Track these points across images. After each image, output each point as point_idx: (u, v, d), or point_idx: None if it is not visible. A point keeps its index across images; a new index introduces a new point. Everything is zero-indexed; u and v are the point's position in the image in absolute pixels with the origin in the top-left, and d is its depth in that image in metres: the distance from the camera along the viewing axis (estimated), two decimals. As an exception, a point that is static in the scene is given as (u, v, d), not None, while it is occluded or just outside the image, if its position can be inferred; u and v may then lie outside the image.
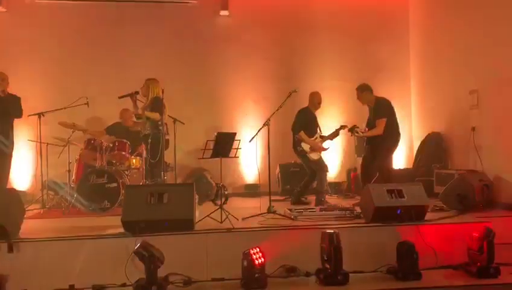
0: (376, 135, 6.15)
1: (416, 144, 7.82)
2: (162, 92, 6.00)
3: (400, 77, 8.23)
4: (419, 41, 8.33)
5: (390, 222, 4.66)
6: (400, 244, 4.26)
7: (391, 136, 6.22)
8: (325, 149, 6.54)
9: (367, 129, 6.30)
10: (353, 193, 7.55)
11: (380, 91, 6.65)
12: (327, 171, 6.57)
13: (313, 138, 6.45)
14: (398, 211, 4.74)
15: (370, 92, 6.28)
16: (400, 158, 8.17)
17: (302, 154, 6.46)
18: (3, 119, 5.90)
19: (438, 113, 7.66)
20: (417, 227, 4.59)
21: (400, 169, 7.78)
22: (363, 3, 8.22)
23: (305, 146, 6.42)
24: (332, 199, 6.96)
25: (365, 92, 6.27)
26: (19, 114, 6.01)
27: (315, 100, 6.55)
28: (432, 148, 7.38)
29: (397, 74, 8.16)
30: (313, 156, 6.43)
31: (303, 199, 6.64)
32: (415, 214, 4.79)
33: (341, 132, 6.57)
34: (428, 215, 4.95)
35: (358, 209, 5.14)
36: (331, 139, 6.56)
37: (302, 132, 6.40)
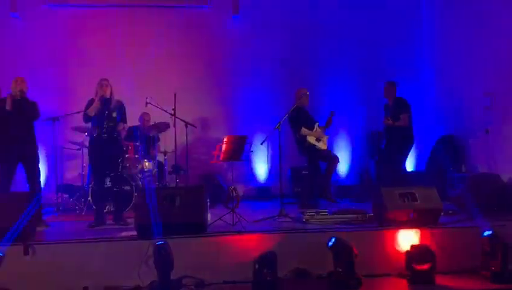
0: (401, 125, 6.29)
1: (430, 147, 7.75)
2: None
3: (412, 79, 8.16)
4: (433, 43, 8.27)
5: (402, 226, 4.64)
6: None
7: (410, 136, 6.35)
8: (326, 137, 6.55)
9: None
10: (365, 196, 7.49)
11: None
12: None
13: (313, 130, 6.40)
14: (411, 215, 4.72)
15: (396, 90, 6.54)
16: (413, 161, 8.10)
17: (311, 148, 6.35)
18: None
19: (451, 115, 7.58)
20: (430, 231, 4.56)
21: (412, 172, 7.71)
22: (375, 5, 8.18)
23: (311, 139, 6.33)
24: (344, 203, 6.91)
25: (394, 88, 6.54)
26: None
27: (301, 95, 6.36)
28: (446, 151, 7.31)
29: (410, 76, 8.09)
30: (321, 145, 6.38)
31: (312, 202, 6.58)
32: (428, 217, 4.75)
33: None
34: (442, 219, 4.92)
35: (370, 213, 5.13)
36: (327, 127, 6.55)
37: (302, 128, 6.33)
